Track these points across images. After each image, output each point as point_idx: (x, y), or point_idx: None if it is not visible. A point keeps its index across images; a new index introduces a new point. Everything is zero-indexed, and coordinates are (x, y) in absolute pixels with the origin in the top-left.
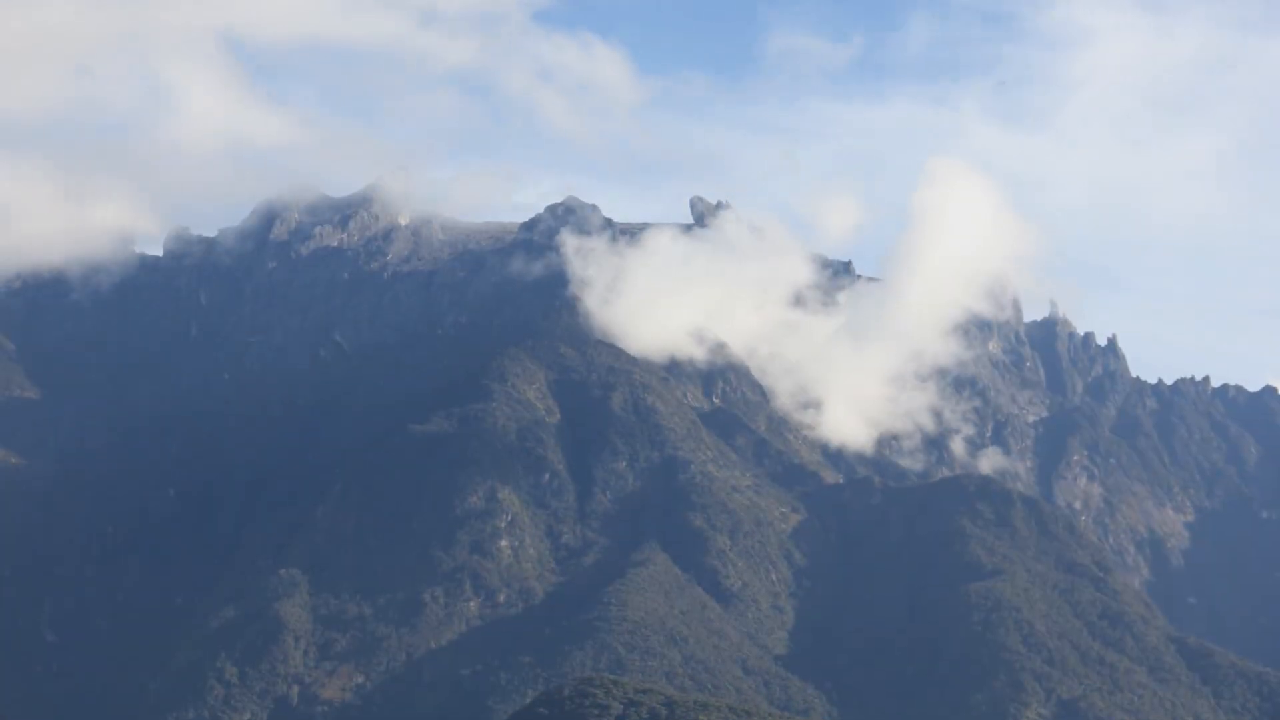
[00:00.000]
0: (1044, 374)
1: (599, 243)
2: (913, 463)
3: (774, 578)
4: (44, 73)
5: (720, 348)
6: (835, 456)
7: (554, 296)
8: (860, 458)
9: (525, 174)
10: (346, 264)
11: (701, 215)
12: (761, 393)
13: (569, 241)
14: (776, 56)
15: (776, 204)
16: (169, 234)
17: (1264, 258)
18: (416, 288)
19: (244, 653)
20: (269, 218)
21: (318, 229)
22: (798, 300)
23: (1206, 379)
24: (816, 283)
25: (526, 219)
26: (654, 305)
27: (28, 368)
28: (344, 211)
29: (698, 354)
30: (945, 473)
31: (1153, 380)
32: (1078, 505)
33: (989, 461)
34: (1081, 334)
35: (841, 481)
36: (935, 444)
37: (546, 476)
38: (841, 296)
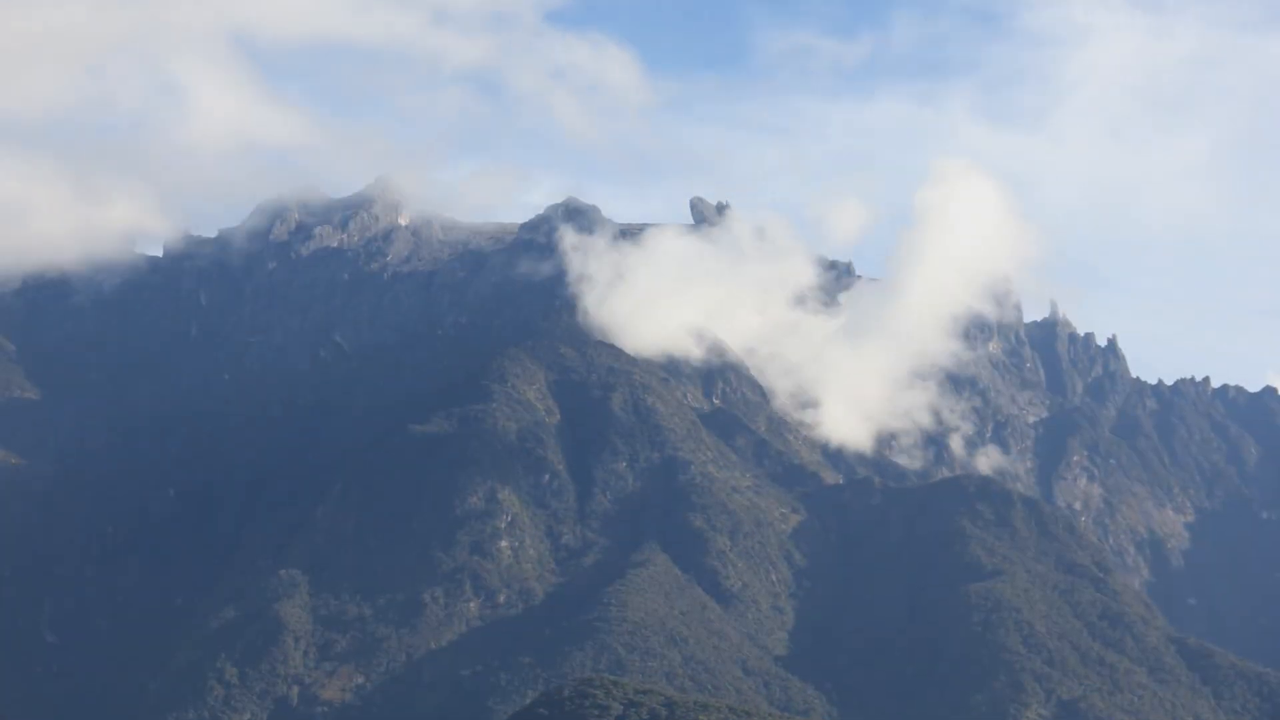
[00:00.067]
0: (1044, 374)
1: (599, 243)
2: (912, 463)
3: (774, 578)
4: (54, 72)
5: (720, 348)
6: (835, 457)
7: (554, 297)
8: (860, 458)
9: (533, 174)
10: (347, 264)
11: (702, 216)
12: (761, 393)
13: (569, 242)
14: (777, 55)
15: (777, 204)
16: (169, 234)
17: (1264, 258)
18: (417, 288)
19: (244, 653)
20: (269, 218)
21: (318, 229)
22: (798, 300)
23: (1206, 379)
24: (817, 283)
25: (527, 219)
26: (654, 306)
27: (28, 368)
28: (344, 212)
29: (698, 354)
30: (945, 473)
31: (1153, 381)
32: (1078, 506)
33: (989, 462)
34: (1082, 334)
35: (841, 482)
36: (935, 444)
37: (546, 477)
38: (842, 297)
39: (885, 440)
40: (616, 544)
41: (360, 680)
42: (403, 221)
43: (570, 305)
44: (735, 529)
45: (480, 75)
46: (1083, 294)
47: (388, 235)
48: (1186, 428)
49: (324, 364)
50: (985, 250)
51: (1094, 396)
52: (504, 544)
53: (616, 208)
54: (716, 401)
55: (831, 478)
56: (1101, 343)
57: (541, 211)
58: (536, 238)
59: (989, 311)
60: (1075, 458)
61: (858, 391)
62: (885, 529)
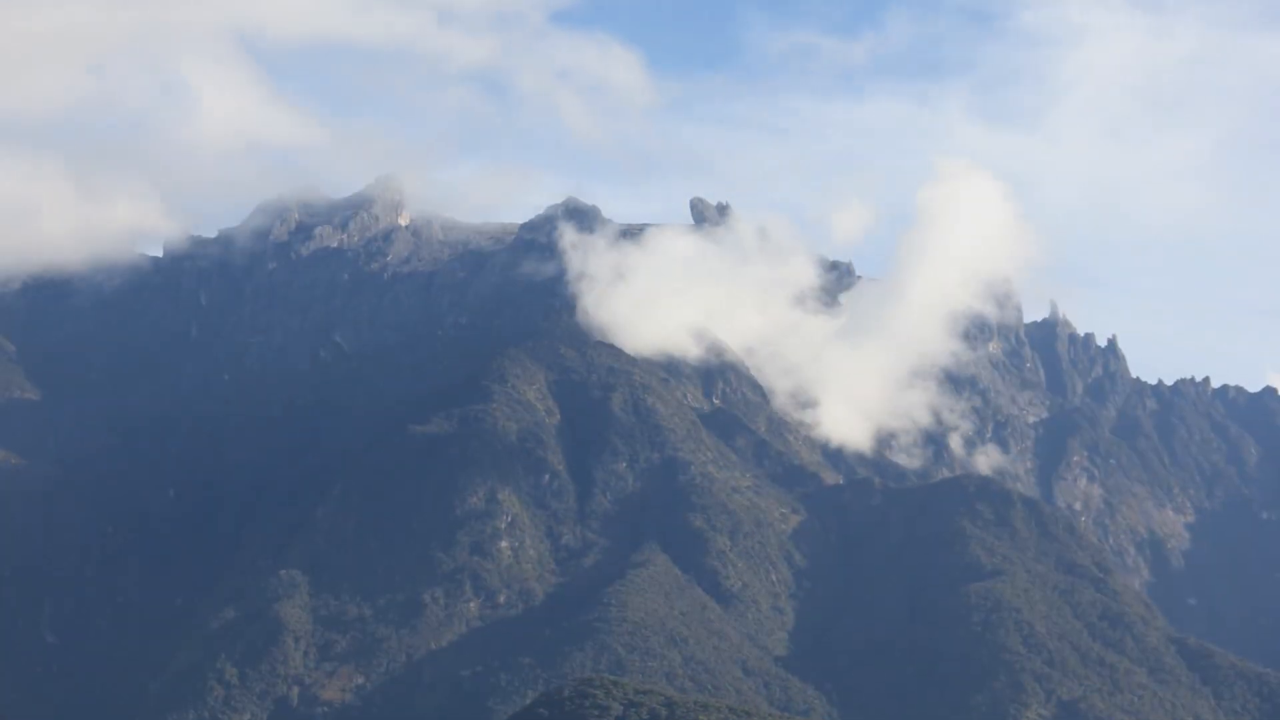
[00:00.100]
0: (1044, 375)
1: (599, 243)
2: (911, 461)
3: (774, 579)
4: (58, 72)
5: (720, 348)
6: (835, 457)
7: (554, 297)
8: (860, 459)
9: (537, 174)
10: (347, 265)
11: (702, 216)
12: (761, 393)
13: (569, 242)
14: (778, 55)
15: (777, 204)
16: (172, 234)
17: (1264, 257)
18: (417, 288)
19: (244, 654)
20: (269, 218)
21: (318, 229)
22: (798, 300)
23: (1207, 380)
24: (817, 283)
25: (527, 219)
26: (654, 306)
27: (28, 369)
28: (344, 212)
29: (698, 355)
30: (945, 473)
31: (1153, 381)
32: (1078, 506)
33: (988, 461)
34: (1082, 335)
35: (841, 482)
36: (935, 444)
37: (546, 477)
38: (842, 297)
39: (885, 440)
40: (616, 544)
41: (360, 681)
42: (403, 222)
43: (570, 305)
44: (735, 529)
45: (485, 75)
46: (1082, 294)
47: (388, 235)
48: (1186, 428)
49: (324, 364)
50: (985, 250)
51: (1094, 397)
52: (504, 544)
53: (619, 208)
54: (716, 402)
55: (831, 478)
56: (1101, 343)
57: (542, 212)
58: (537, 238)
59: (989, 312)
60: (1075, 458)
61: (857, 391)
62: (885, 529)
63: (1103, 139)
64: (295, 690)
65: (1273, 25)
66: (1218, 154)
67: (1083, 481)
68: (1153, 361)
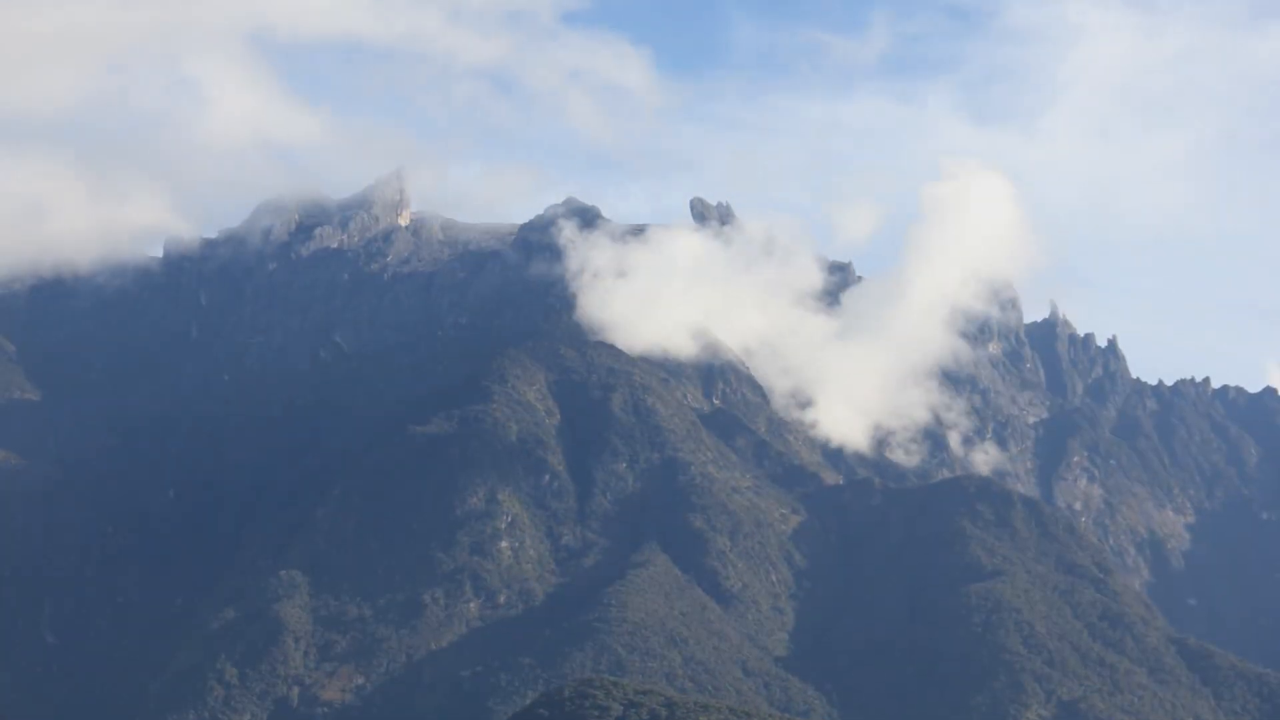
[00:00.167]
0: (1044, 375)
1: (599, 243)
2: (910, 459)
3: (774, 579)
4: (70, 70)
5: (720, 349)
6: (835, 458)
7: (554, 297)
8: (860, 459)
9: (545, 173)
10: (347, 265)
11: (703, 216)
12: (761, 394)
13: (569, 242)
14: (783, 55)
15: (777, 204)
16: (175, 234)
17: (1264, 257)
18: (416, 289)
19: (244, 654)
20: (269, 218)
21: (318, 230)
22: (799, 300)
23: (1207, 380)
24: (817, 283)
25: (527, 219)
26: (654, 306)
27: (28, 369)
28: (344, 212)
29: (698, 355)
30: (945, 474)
31: (1153, 381)
32: (1078, 506)
33: (987, 459)
34: (1082, 335)
35: (841, 483)
36: (935, 445)
37: (546, 478)
38: (842, 297)
39: (885, 442)
40: (616, 545)
41: (360, 681)
42: (403, 222)
43: (570, 306)
44: (735, 530)
45: (495, 74)
46: (1082, 295)
47: (388, 236)
48: (1186, 428)
49: (324, 364)
50: (988, 250)
51: (1094, 397)
52: (504, 545)
53: (627, 208)
54: (716, 402)
55: (831, 478)
56: (1102, 343)
57: (542, 212)
58: (537, 238)
59: (989, 312)
60: (1075, 458)
61: (857, 391)
62: (885, 530)
63: (1100, 138)
64: (295, 690)
65: (1271, 22)
66: (1214, 152)
67: (1083, 482)
68: (1153, 362)
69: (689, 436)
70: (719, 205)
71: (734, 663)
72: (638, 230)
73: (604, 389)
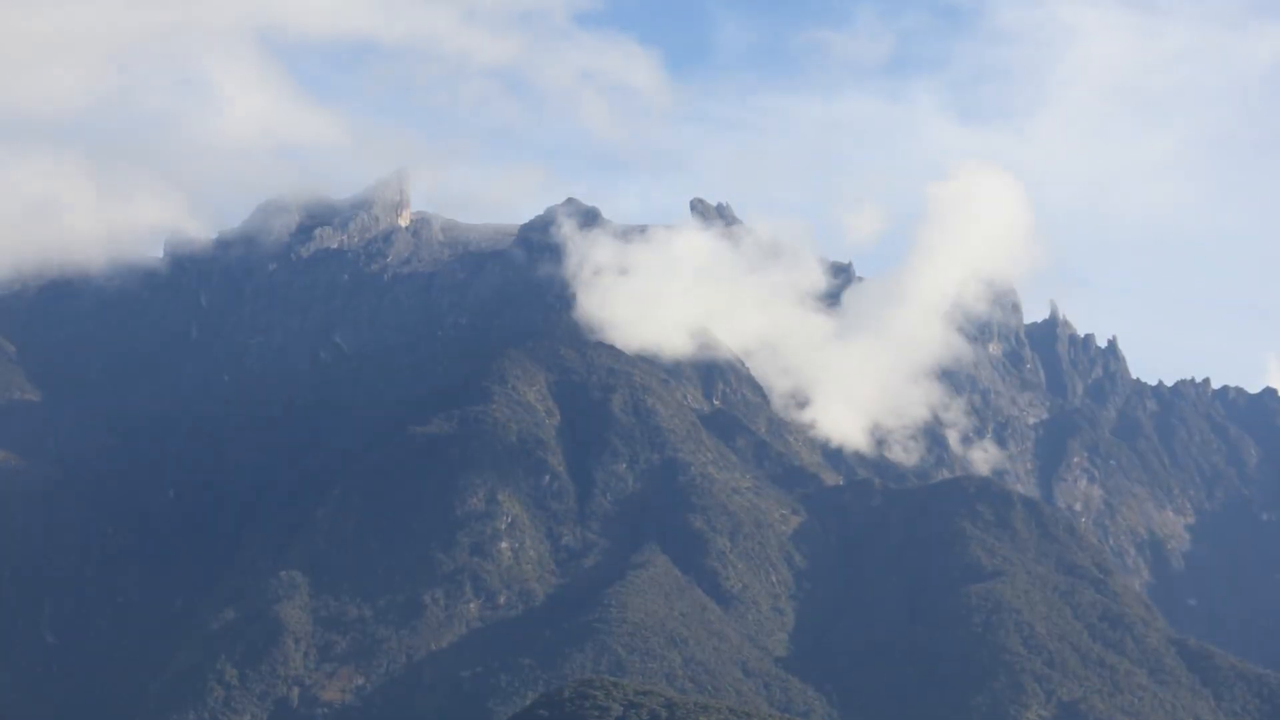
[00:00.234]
0: (1044, 376)
1: (599, 244)
2: (909, 458)
3: (774, 580)
4: (80, 69)
5: (720, 349)
6: (835, 458)
7: (554, 298)
8: (860, 459)
9: (554, 173)
10: (347, 265)
11: (703, 216)
12: (761, 394)
13: (569, 243)
14: (798, 51)
15: (777, 204)
16: (176, 235)
17: (1264, 257)
18: (416, 289)
19: (244, 654)
20: (269, 219)
21: (318, 230)
22: (799, 301)
23: (1207, 381)
24: (818, 283)
25: (527, 220)
26: (654, 307)
27: (28, 369)
28: (344, 213)
29: (698, 356)
30: (945, 474)
31: (1153, 382)
32: (1078, 507)
33: (986, 459)
34: (1082, 335)
35: (841, 483)
36: (934, 445)
37: (546, 478)
38: (842, 297)
39: (885, 442)
40: (616, 545)
41: (360, 681)
42: (403, 222)
43: (570, 306)
44: (735, 530)
45: (506, 74)
46: (1082, 295)
47: (388, 236)
48: (1187, 429)
49: (324, 365)
50: (988, 251)
51: (1094, 398)
52: (504, 545)
53: (629, 208)
54: (716, 403)
55: (831, 479)
56: (1102, 344)
57: (542, 212)
58: (537, 238)
59: (989, 312)
60: (1075, 459)
61: (857, 391)
62: (885, 530)
63: (1099, 138)
64: (295, 691)
65: (1269, 20)
66: (1213, 152)
67: (1083, 482)
68: (1153, 362)
69: (689, 437)
70: (719, 206)
71: (734, 663)
72: (638, 230)
73: (604, 389)
